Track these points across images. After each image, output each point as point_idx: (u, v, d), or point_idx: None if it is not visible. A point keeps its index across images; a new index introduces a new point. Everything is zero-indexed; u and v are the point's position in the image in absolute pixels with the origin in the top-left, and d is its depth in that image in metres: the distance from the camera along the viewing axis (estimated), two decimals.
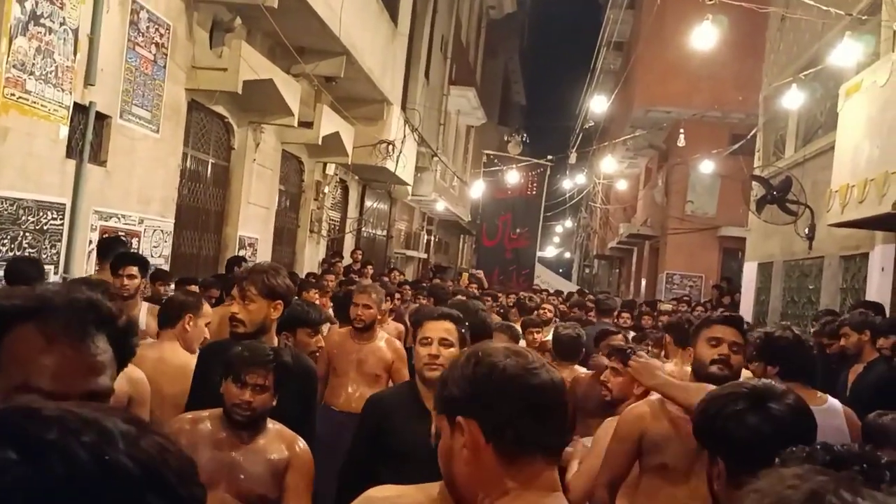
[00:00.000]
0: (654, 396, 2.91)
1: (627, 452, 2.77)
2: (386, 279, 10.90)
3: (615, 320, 7.52)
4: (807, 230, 9.68)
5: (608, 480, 2.78)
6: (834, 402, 3.35)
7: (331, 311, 6.13)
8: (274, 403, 2.71)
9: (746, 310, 12.30)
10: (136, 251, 6.59)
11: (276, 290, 3.13)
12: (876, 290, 7.58)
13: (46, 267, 5.87)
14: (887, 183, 6.13)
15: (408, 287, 10.33)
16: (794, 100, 9.81)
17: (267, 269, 3.20)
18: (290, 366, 2.94)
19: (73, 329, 1.21)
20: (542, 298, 8.80)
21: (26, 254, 5.61)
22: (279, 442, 2.71)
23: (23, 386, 1.16)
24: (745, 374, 5.45)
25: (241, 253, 9.68)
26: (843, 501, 0.58)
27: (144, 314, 4.65)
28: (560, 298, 13.99)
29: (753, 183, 11.38)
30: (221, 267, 8.77)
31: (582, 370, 4.89)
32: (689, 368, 5.25)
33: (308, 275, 10.30)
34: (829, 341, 5.95)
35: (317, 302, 7.37)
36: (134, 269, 4.94)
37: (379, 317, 4.82)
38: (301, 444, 2.74)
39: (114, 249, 5.58)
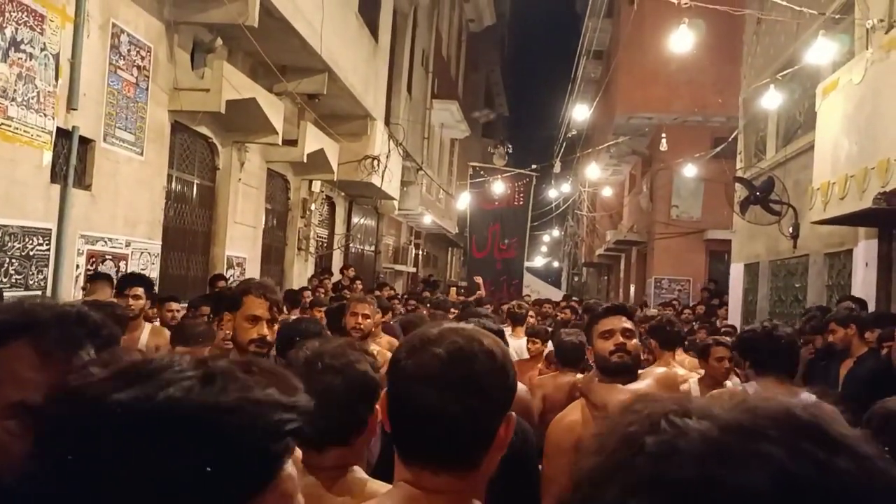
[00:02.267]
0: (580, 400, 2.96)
1: (568, 464, 2.76)
2: (378, 294, 10.90)
3: None
4: (791, 229, 9.76)
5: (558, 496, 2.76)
6: (806, 395, 3.36)
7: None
8: None
9: (734, 311, 12.37)
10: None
11: (280, 304, 3.16)
12: (861, 286, 7.65)
13: (34, 293, 5.88)
14: (867, 178, 6.21)
15: (397, 301, 10.32)
16: (772, 101, 9.91)
17: (269, 285, 3.16)
18: None
19: (65, 343, 1.21)
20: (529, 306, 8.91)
21: (13, 280, 5.60)
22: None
23: (19, 403, 1.15)
24: (735, 381, 5.52)
25: (230, 273, 9.67)
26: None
27: (146, 335, 4.65)
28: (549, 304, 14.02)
29: (736, 185, 11.48)
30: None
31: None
32: (678, 370, 5.33)
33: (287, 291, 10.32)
34: (811, 336, 6.01)
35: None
36: (139, 290, 5.00)
37: (373, 329, 4.84)
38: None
39: (105, 278, 5.63)
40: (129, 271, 6.89)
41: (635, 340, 2.87)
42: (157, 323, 5.62)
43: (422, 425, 1.23)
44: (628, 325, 2.87)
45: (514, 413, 1.29)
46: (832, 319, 5.57)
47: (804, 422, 0.59)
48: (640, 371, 2.92)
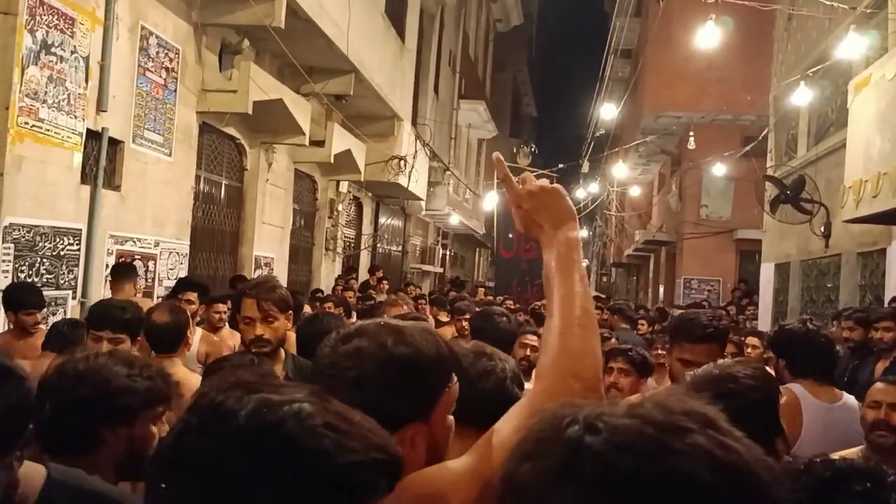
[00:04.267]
0: None
1: None
2: (403, 294, 10.92)
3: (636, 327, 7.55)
4: (822, 228, 9.61)
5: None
6: (849, 399, 3.27)
7: None
8: None
9: (765, 311, 12.21)
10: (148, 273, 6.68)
11: (288, 301, 3.17)
12: (895, 286, 7.51)
13: (64, 292, 5.97)
14: None
15: (423, 301, 10.33)
16: (803, 98, 9.77)
17: (272, 283, 3.20)
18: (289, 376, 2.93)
19: None
20: None
21: (44, 280, 5.69)
22: None
23: None
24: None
25: (257, 272, 9.74)
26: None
27: (196, 342, 4.69)
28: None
29: (767, 184, 11.33)
30: None
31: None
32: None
33: (314, 291, 10.38)
34: (854, 327, 5.80)
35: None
36: (193, 296, 5.05)
37: None
38: None
39: (124, 272, 5.67)
40: (182, 276, 6.95)
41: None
42: (205, 325, 5.64)
43: None
44: (711, 358, 2.65)
45: (437, 427, 1.27)
46: (879, 317, 5.46)
47: (704, 415, 0.68)
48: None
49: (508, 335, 3.70)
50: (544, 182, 1.47)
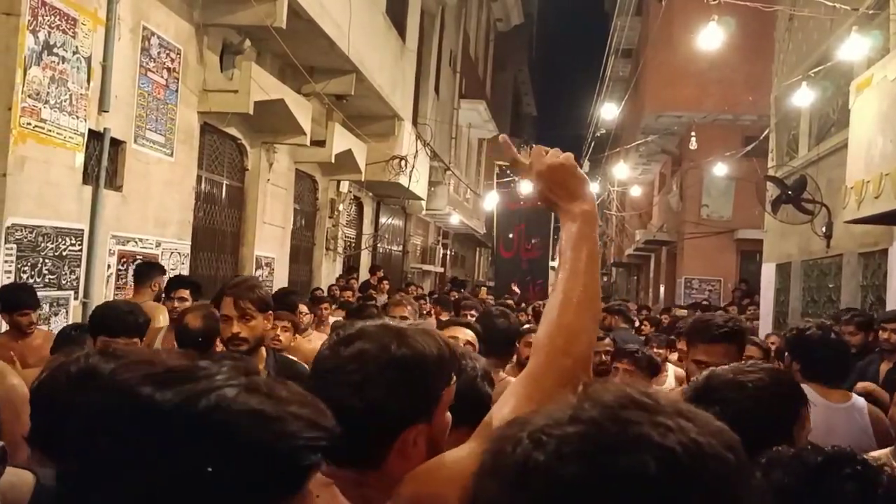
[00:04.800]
0: None
1: None
2: (406, 295, 10.92)
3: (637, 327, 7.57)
4: (824, 229, 9.60)
5: None
6: (858, 400, 3.27)
7: None
8: None
9: (766, 311, 12.21)
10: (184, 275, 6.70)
11: (268, 301, 3.20)
12: None
13: (66, 293, 5.97)
14: None
15: (423, 301, 10.33)
16: (804, 98, 9.76)
17: (251, 283, 3.23)
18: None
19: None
20: None
21: (46, 280, 5.69)
22: None
23: None
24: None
25: (258, 272, 9.74)
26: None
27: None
28: None
29: (768, 184, 11.33)
30: None
31: None
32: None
33: (314, 290, 10.38)
34: (855, 331, 5.84)
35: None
36: (185, 293, 5.07)
37: None
38: None
39: (150, 273, 5.68)
40: (176, 274, 6.97)
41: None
42: None
43: None
44: (728, 360, 2.67)
45: (437, 425, 1.28)
46: (888, 318, 5.45)
47: (643, 401, 0.67)
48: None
49: (508, 335, 3.70)
50: (555, 157, 1.47)
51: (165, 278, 5.75)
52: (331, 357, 1.28)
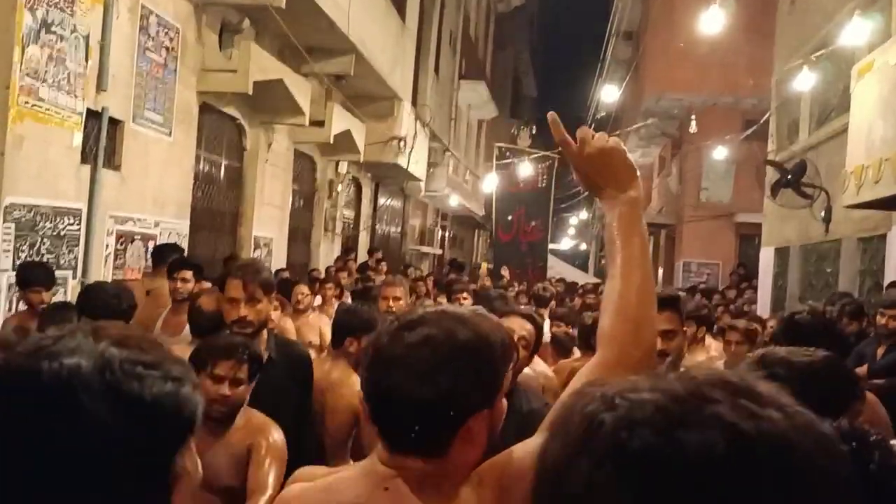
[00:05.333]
0: None
1: None
2: (401, 277, 10.93)
3: None
4: (823, 213, 9.61)
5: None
6: None
7: None
8: (248, 395, 2.70)
9: (764, 295, 12.24)
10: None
11: (273, 283, 3.22)
12: (895, 271, 7.52)
13: (65, 272, 5.97)
14: None
15: (421, 282, 10.32)
16: (805, 82, 9.73)
17: (258, 266, 3.23)
18: (263, 356, 2.94)
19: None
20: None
21: (45, 259, 5.69)
22: (249, 429, 2.65)
23: None
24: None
25: (256, 253, 9.74)
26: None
27: None
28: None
29: (768, 168, 11.31)
30: None
31: None
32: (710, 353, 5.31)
33: (311, 270, 10.39)
34: (849, 322, 5.91)
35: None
36: (188, 274, 5.08)
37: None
38: (273, 430, 2.66)
39: (168, 255, 5.69)
40: (179, 256, 6.97)
41: (677, 340, 2.76)
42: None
43: (384, 406, 1.25)
44: (670, 324, 2.74)
45: (497, 411, 1.26)
46: (888, 304, 5.45)
47: (737, 384, 0.66)
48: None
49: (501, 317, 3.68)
50: (604, 141, 1.43)
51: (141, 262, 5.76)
52: (393, 343, 1.24)
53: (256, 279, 3.05)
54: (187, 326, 4.69)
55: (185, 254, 7.85)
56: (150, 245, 7.21)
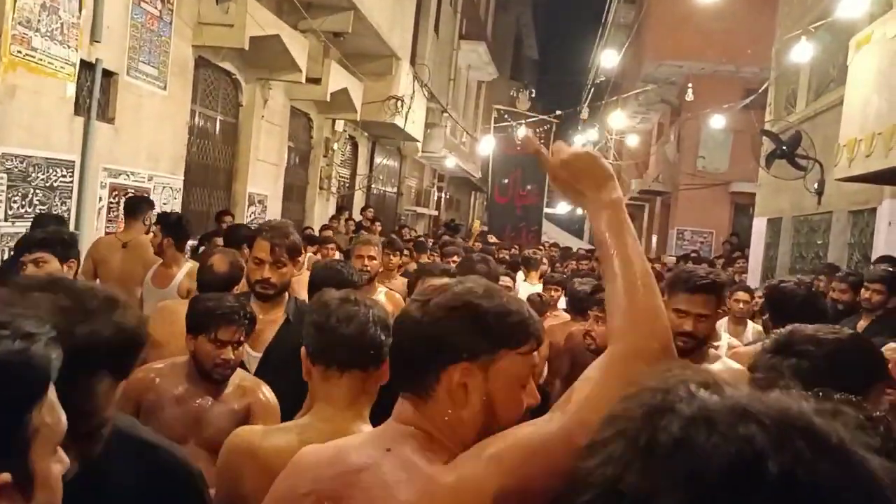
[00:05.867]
0: None
1: None
2: (395, 237, 10.96)
3: None
4: (816, 185, 9.62)
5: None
6: None
7: None
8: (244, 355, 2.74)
9: (755, 266, 12.31)
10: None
11: (300, 248, 3.22)
12: (883, 245, 7.57)
13: None
14: (894, 136, 6.09)
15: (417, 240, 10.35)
16: (803, 53, 9.67)
17: (287, 229, 3.20)
18: (280, 318, 3.01)
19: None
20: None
21: (37, 211, 5.70)
22: (244, 389, 2.69)
23: None
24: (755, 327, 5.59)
25: (251, 210, 9.76)
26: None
27: (182, 275, 4.71)
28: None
29: (763, 138, 11.29)
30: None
31: None
32: None
33: (304, 228, 10.40)
34: (848, 289, 5.91)
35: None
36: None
37: (380, 270, 4.86)
38: (265, 390, 2.70)
39: (140, 206, 5.67)
40: (176, 210, 6.97)
41: (707, 324, 2.77)
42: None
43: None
44: (707, 309, 2.76)
45: (494, 387, 1.31)
46: (872, 279, 5.50)
47: (799, 422, 0.60)
48: None
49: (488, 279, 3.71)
50: (576, 148, 1.46)
51: (155, 212, 5.73)
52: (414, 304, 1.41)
53: (284, 243, 3.06)
54: (175, 278, 4.73)
55: (180, 208, 7.90)
56: None
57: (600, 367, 1.27)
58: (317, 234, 9.14)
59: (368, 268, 4.48)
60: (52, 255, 3.43)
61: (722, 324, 5.24)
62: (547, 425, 1.22)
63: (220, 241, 6.97)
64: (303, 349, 1.90)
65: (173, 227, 4.90)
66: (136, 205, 5.72)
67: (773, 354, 1.79)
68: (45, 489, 0.89)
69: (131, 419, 1.47)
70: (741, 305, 5.85)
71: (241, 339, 2.66)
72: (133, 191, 6.98)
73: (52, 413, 0.89)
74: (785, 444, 0.57)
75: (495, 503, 1.16)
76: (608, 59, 20.30)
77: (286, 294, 3.19)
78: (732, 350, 3.48)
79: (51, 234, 3.64)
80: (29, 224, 5.17)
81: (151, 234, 5.03)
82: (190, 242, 6.45)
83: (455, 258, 6.02)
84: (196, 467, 1.57)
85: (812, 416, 0.61)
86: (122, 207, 6.67)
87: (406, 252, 6.95)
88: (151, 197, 7.32)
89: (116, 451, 1.32)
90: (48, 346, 0.88)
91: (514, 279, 6.13)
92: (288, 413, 2.41)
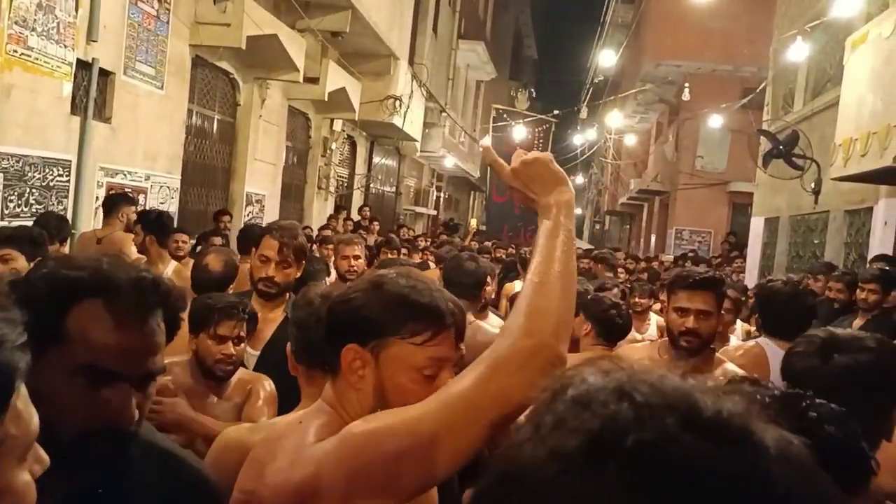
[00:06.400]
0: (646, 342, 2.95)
1: None
2: (393, 236, 10.97)
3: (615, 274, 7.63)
4: (813, 185, 9.64)
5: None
6: None
7: None
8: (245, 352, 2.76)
9: (752, 265, 12.32)
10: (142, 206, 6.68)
11: (306, 250, 3.23)
12: (879, 244, 7.58)
13: None
14: (889, 136, 6.10)
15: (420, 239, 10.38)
16: (799, 52, 9.70)
17: (296, 231, 3.21)
18: (279, 317, 3.02)
19: (138, 309, 1.20)
20: None
21: (33, 210, 5.71)
22: (243, 384, 2.71)
23: (88, 365, 1.14)
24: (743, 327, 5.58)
25: (248, 209, 9.77)
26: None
27: (169, 273, 4.71)
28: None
29: (761, 137, 11.30)
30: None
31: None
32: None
33: (303, 228, 10.40)
34: (844, 289, 5.93)
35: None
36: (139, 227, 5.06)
37: (365, 269, 4.88)
38: (266, 383, 2.71)
39: (118, 206, 5.68)
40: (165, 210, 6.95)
41: (711, 321, 2.77)
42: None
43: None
44: (707, 305, 2.76)
45: (386, 373, 1.35)
46: (866, 278, 5.53)
47: (673, 398, 0.58)
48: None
49: (476, 277, 3.70)
50: (530, 155, 1.46)
51: (134, 209, 5.70)
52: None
53: (293, 244, 3.07)
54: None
55: (177, 208, 7.92)
56: (142, 199, 7.24)
57: (473, 364, 1.24)
58: (317, 234, 9.17)
59: (355, 267, 4.51)
60: (18, 253, 3.40)
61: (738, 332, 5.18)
62: (410, 415, 1.21)
63: (217, 240, 7.01)
64: (288, 346, 1.92)
65: (154, 225, 4.90)
66: (113, 202, 5.72)
67: (819, 357, 1.78)
68: (11, 501, 0.82)
69: (149, 426, 1.41)
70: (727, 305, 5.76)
71: (242, 334, 2.67)
72: (130, 190, 6.99)
73: (19, 421, 0.81)
74: (650, 419, 0.56)
75: (323, 483, 1.19)
76: (607, 58, 20.34)
77: (287, 294, 3.21)
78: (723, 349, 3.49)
79: (18, 232, 3.65)
80: (25, 223, 5.17)
81: (133, 234, 5.03)
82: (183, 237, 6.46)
83: (423, 255, 6.03)
84: (218, 483, 1.53)
85: (693, 394, 0.59)
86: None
87: (404, 252, 6.98)
88: (149, 196, 7.36)
89: (140, 459, 1.26)
90: (14, 352, 0.79)
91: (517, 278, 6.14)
92: (285, 411, 2.37)
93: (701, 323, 2.73)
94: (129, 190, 6.98)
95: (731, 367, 2.84)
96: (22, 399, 0.82)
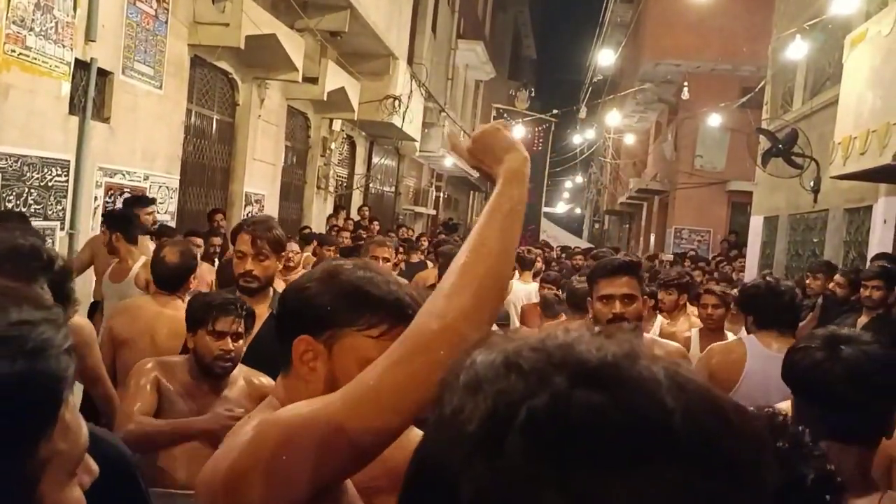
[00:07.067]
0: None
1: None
2: (393, 235, 10.98)
3: None
4: (812, 183, 9.64)
5: None
6: None
7: None
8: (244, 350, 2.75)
9: (752, 264, 12.32)
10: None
11: (283, 242, 3.23)
12: (878, 243, 7.59)
13: (52, 223, 5.99)
14: (888, 134, 6.10)
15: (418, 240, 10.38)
16: (798, 51, 9.69)
17: (270, 223, 3.22)
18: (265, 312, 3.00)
19: (19, 276, 1.18)
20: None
21: (32, 210, 5.71)
22: (245, 382, 2.71)
23: None
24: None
25: (248, 209, 9.76)
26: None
27: (138, 267, 4.69)
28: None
29: (760, 136, 11.30)
30: (230, 223, 8.85)
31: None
32: (691, 320, 5.39)
33: (302, 228, 10.42)
34: (846, 286, 5.93)
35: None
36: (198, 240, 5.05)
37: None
38: (263, 379, 2.71)
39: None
40: (172, 210, 6.96)
41: (636, 305, 2.79)
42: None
43: None
44: (630, 289, 2.79)
45: (338, 365, 1.30)
46: (869, 276, 5.52)
47: (558, 357, 0.58)
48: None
49: None
50: (481, 127, 1.43)
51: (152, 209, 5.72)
52: None
53: (265, 236, 3.07)
54: (130, 271, 4.73)
55: (176, 208, 7.92)
56: None
57: (396, 345, 1.16)
58: (316, 233, 9.16)
59: None
60: None
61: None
62: (321, 403, 1.16)
63: (217, 240, 7.01)
64: None
65: (119, 222, 4.91)
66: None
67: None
68: None
69: None
70: (709, 311, 4.83)
71: (240, 330, 2.67)
72: (129, 190, 6.98)
73: (68, 435, 0.76)
74: (541, 385, 0.55)
75: (239, 473, 1.15)
76: (606, 58, 20.34)
77: (271, 289, 3.21)
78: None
79: None
80: None
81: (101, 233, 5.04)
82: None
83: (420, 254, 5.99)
84: (134, 456, 1.53)
85: (577, 347, 0.58)
86: (118, 206, 6.69)
87: (402, 251, 6.98)
88: (148, 196, 7.34)
89: None
90: (60, 358, 0.73)
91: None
92: None
93: (626, 307, 2.78)
94: (128, 190, 6.97)
95: (661, 340, 2.92)
96: (70, 410, 0.77)
